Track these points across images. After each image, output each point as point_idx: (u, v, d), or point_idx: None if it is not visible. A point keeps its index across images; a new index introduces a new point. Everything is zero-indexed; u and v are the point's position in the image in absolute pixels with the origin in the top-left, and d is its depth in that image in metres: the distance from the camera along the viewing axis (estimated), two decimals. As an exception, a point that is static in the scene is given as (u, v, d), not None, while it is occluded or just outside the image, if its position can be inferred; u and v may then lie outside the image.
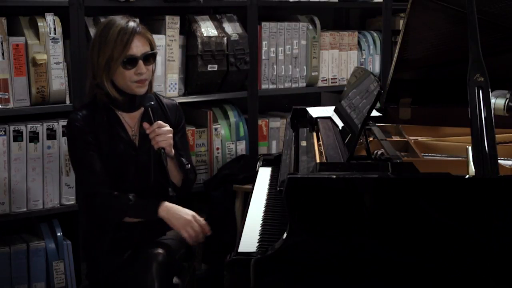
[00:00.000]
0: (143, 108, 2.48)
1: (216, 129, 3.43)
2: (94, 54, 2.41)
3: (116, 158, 2.43)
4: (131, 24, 2.39)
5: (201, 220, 2.41)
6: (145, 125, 2.40)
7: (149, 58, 2.42)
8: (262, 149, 3.61)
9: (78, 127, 2.40)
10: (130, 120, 2.48)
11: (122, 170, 2.45)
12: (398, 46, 2.57)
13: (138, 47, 2.38)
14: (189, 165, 2.53)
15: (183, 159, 2.51)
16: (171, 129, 2.41)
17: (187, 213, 2.40)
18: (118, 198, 2.39)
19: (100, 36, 2.40)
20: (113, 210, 2.41)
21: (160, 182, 2.50)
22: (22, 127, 2.86)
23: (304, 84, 3.70)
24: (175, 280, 2.44)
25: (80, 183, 2.45)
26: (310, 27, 3.69)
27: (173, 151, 2.42)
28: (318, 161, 2.08)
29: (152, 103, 2.43)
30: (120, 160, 2.44)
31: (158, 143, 2.37)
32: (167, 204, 2.41)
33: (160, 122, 2.39)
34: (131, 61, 2.37)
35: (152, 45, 2.45)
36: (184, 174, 2.50)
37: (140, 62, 2.38)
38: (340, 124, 2.28)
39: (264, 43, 3.51)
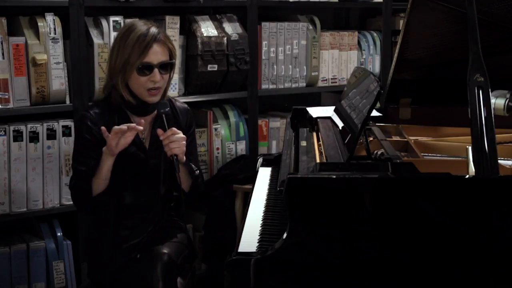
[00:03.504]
0: (155, 112, 2.48)
1: (216, 129, 3.43)
2: (112, 55, 2.42)
3: (125, 160, 2.43)
4: (152, 30, 2.39)
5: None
6: (159, 131, 2.39)
7: (166, 67, 2.42)
8: (262, 149, 3.61)
9: (87, 125, 2.40)
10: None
11: (130, 172, 2.45)
12: (398, 46, 2.57)
13: (156, 55, 2.38)
14: (198, 171, 2.53)
15: (193, 164, 2.51)
16: (184, 136, 2.40)
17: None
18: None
19: (120, 39, 2.40)
20: (82, 185, 2.39)
21: (168, 185, 2.51)
22: (22, 127, 2.86)
23: (304, 84, 3.70)
24: (179, 280, 2.44)
25: (70, 178, 2.47)
26: (310, 27, 3.69)
27: (184, 158, 2.42)
28: (318, 161, 2.08)
29: (167, 109, 2.43)
30: (129, 162, 2.44)
31: (171, 150, 2.36)
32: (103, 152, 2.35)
33: (174, 129, 2.39)
34: (147, 68, 2.37)
35: (171, 54, 2.45)
36: (193, 180, 2.51)
37: (156, 70, 2.38)
38: (340, 124, 2.28)
39: (264, 43, 3.51)
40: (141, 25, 2.40)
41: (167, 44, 2.43)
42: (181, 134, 2.39)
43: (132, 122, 2.45)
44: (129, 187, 2.47)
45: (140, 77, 2.37)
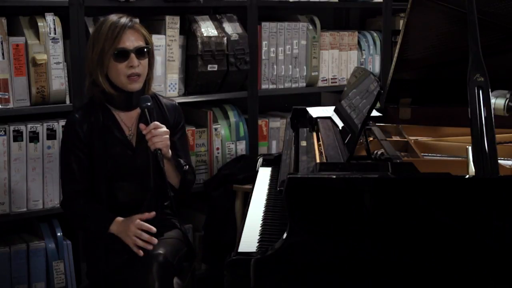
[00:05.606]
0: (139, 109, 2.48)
1: (216, 129, 3.43)
2: (89, 50, 2.44)
3: (113, 159, 2.43)
4: (123, 19, 2.42)
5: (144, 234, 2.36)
6: (142, 126, 2.40)
7: (143, 52, 2.43)
8: (262, 149, 3.61)
9: (71, 129, 2.43)
10: (127, 120, 2.48)
11: (120, 170, 2.45)
12: (398, 46, 2.57)
13: (130, 41, 2.40)
14: (187, 166, 2.52)
15: (181, 160, 2.50)
16: (167, 130, 2.40)
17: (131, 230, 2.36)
18: (84, 209, 2.43)
19: (94, 32, 2.45)
20: (75, 220, 2.49)
21: (159, 184, 2.50)
22: (22, 127, 2.86)
23: (304, 84, 3.70)
24: (176, 280, 2.43)
25: (62, 186, 2.50)
26: (310, 27, 3.69)
27: (170, 152, 2.41)
28: (318, 161, 2.08)
29: (149, 104, 2.42)
30: (117, 161, 2.44)
31: (155, 144, 2.36)
32: (118, 219, 2.40)
33: (156, 123, 2.39)
34: (123, 54, 2.39)
35: (147, 41, 2.46)
36: (182, 176, 2.50)
37: (132, 55, 2.39)
38: (340, 124, 2.28)
39: (264, 43, 3.51)
40: (113, 16, 2.44)
41: (141, 30, 2.46)
42: (164, 128, 2.39)
43: (116, 118, 2.46)
44: (120, 186, 2.46)
45: (118, 64, 2.39)
